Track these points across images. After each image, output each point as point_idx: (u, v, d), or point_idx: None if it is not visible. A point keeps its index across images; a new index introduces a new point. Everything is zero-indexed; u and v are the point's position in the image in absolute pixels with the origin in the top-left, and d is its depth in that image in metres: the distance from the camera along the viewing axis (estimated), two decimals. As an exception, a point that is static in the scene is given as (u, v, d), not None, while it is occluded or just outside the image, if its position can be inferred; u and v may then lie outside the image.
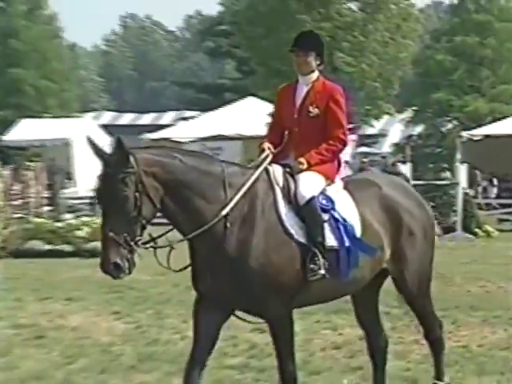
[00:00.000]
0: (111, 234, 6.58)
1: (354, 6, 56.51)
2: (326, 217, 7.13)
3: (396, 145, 57.45)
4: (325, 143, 7.35)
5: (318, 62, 7.53)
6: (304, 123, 7.41)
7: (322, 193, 7.25)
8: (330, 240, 7.09)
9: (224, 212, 6.88)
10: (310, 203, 7.04)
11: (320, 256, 6.95)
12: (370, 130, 58.76)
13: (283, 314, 7.14)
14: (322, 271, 6.93)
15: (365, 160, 35.00)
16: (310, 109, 7.39)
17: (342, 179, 7.91)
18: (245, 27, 59.00)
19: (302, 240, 6.98)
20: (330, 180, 7.44)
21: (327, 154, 7.35)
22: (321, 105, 7.38)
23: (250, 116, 37.47)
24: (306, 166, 7.23)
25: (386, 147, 59.92)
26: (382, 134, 63.46)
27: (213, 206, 6.92)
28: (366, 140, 53.73)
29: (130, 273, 6.69)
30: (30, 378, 9.79)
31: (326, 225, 7.10)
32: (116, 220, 6.61)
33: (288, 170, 7.36)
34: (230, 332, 10.23)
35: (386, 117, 59.12)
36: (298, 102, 7.49)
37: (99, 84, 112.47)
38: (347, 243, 7.13)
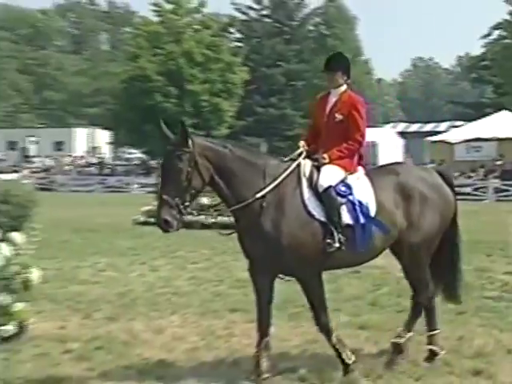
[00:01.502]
0: (165, 196, 7.20)
1: None
2: (343, 200, 7.56)
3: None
4: (345, 143, 7.77)
5: (345, 78, 7.98)
6: (331, 126, 7.90)
7: (343, 181, 7.73)
8: (347, 219, 7.55)
9: (259, 195, 7.40)
10: (327, 191, 7.51)
11: (335, 232, 7.41)
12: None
13: (310, 276, 7.62)
14: (337, 244, 7.37)
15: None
16: (336, 115, 7.85)
17: (368, 169, 8.34)
18: (501, 62, 64.18)
19: (322, 219, 7.45)
20: (350, 171, 7.83)
21: (346, 151, 7.76)
22: (344, 112, 7.84)
23: (503, 124, 43.03)
24: (327, 160, 7.69)
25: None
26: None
27: (252, 189, 7.43)
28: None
29: (177, 229, 7.26)
30: (351, 298, 11.48)
31: (343, 207, 7.56)
32: (170, 187, 7.22)
33: (315, 163, 7.79)
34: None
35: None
36: (328, 109, 7.97)
37: (396, 104, 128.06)
38: (362, 221, 7.57)
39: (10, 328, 6.25)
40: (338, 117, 7.86)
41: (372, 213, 7.64)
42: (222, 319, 10.14)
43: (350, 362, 7.62)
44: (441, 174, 8.49)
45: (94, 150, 69.25)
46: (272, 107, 63.74)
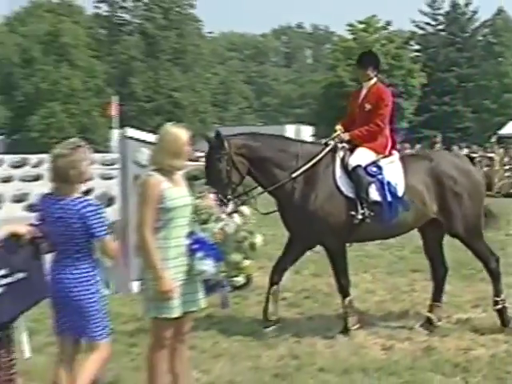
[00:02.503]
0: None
1: None
2: (372, 179, 7.17)
3: None
4: (366, 126, 7.41)
5: (375, 73, 7.63)
6: (361, 115, 7.56)
7: (374, 162, 7.33)
8: (375, 196, 7.16)
9: (293, 175, 7.12)
10: (356, 169, 7.14)
11: (360, 207, 7.05)
12: None
13: (336, 246, 7.32)
14: (360, 217, 7.03)
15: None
16: (366, 105, 7.52)
17: (404, 154, 8.06)
18: None
19: (351, 195, 7.11)
20: (383, 154, 7.44)
21: (365, 132, 7.38)
22: (372, 102, 7.49)
23: None
24: (347, 138, 7.41)
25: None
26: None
27: (285, 172, 7.13)
28: None
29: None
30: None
31: (372, 185, 7.16)
32: (214, 185, 6.89)
33: (348, 146, 7.41)
34: None
35: None
36: (360, 100, 7.63)
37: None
38: (389, 199, 7.13)
39: (240, 279, 6.52)
40: (367, 106, 7.53)
41: (400, 193, 7.21)
42: (406, 277, 10.05)
43: (353, 328, 7.31)
44: (469, 158, 8.09)
45: (301, 142, 69.78)
46: (445, 105, 62.33)
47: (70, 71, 61.75)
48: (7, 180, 9.04)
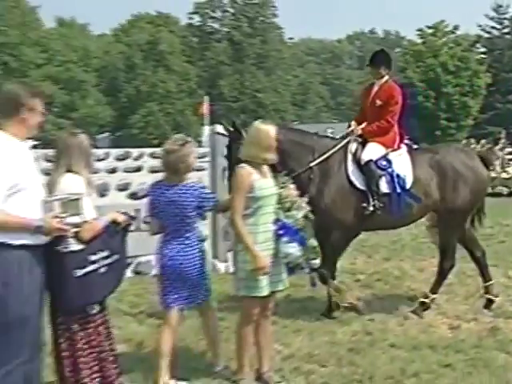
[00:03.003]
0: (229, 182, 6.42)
1: None
2: (382, 173, 6.88)
3: None
4: (377, 122, 7.10)
5: (387, 71, 7.28)
6: (372, 110, 7.24)
7: (384, 156, 7.02)
8: (385, 188, 6.87)
9: (308, 166, 6.80)
10: (368, 164, 6.86)
11: (371, 199, 6.75)
12: None
13: (339, 240, 6.98)
14: (371, 208, 6.74)
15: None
16: (377, 101, 7.20)
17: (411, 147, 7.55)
18: None
19: (362, 188, 6.82)
20: (392, 148, 7.13)
21: (375, 128, 7.07)
22: (383, 98, 7.16)
23: None
24: (360, 132, 7.14)
25: None
26: None
27: (302, 164, 6.78)
28: None
29: None
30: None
31: (383, 178, 6.87)
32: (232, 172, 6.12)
33: (360, 140, 7.14)
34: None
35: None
36: (371, 96, 7.29)
37: None
38: (398, 191, 6.87)
39: (317, 262, 6.48)
40: (378, 102, 7.16)
41: (408, 185, 6.90)
42: (471, 263, 9.68)
43: (342, 304, 7.01)
44: (480, 157, 7.45)
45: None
46: (509, 103, 60.29)
47: (166, 75, 63.05)
48: (112, 171, 9.19)
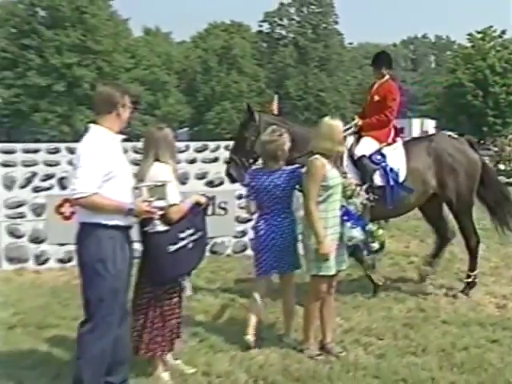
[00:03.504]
0: (233, 156, 6.35)
1: None
2: (376, 167, 6.50)
3: None
4: (377, 115, 6.76)
5: (388, 71, 6.95)
6: (370, 104, 6.92)
7: (379, 151, 6.64)
8: (379, 181, 6.51)
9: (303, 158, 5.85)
10: (361, 159, 6.49)
11: (364, 192, 5.85)
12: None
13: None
14: (365, 201, 5.67)
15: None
16: (375, 96, 6.86)
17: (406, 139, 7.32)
18: None
19: (357, 181, 6.02)
20: (386, 143, 6.74)
21: (374, 121, 6.71)
22: (381, 94, 6.82)
23: None
24: (360, 123, 6.80)
25: None
26: None
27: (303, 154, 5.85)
28: None
29: (239, 181, 6.31)
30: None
31: (377, 172, 6.49)
32: (238, 150, 6.35)
33: (356, 135, 6.79)
34: None
35: None
36: (372, 93, 6.97)
37: None
38: (392, 183, 6.54)
39: (376, 245, 6.39)
40: (376, 98, 6.85)
41: (401, 178, 6.58)
42: (516, 247, 9.47)
43: (380, 283, 6.93)
44: (469, 141, 7.15)
45: (424, 133, 68.06)
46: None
47: (239, 77, 63.34)
48: (192, 162, 9.29)
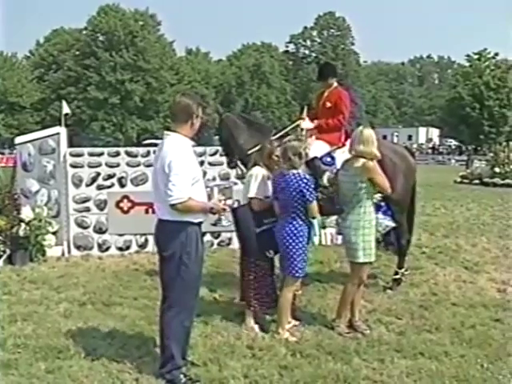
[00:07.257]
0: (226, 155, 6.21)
1: None
2: (326, 168, 6.03)
3: None
4: (330, 119, 6.23)
5: (334, 79, 6.37)
6: (323, 111, 6.36)
7: (329, 153, 6.18)
8: (327, 182, 5.95)
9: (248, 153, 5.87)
10: (313, 161, 5.99)
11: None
12: None
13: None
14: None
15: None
16: (327, 103, 6.32)
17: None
18: None
19: None
20: (337, 146, 6.23)
21: (324, 125, 6.20)
22: (332, 101, 6.29)
23: None
24: (313, 126, 6.25)
25: None
26: None
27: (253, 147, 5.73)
28: None
29: (234, 167, 6.27)
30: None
31: (327, 173, 5.97)
32: (224, 145, 6.34)
33: (309, 134, 6.27)
34: None
35: None
36: (322, 100, 6.40)
37: None
38: None
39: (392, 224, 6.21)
40: (328, 104, 6.26)
41: None
42: (513, 240, 9.36)
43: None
44: (407, 148, 6.87)
45: (429, 140, 67.55)
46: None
47: (268, 90, 63.64)
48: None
